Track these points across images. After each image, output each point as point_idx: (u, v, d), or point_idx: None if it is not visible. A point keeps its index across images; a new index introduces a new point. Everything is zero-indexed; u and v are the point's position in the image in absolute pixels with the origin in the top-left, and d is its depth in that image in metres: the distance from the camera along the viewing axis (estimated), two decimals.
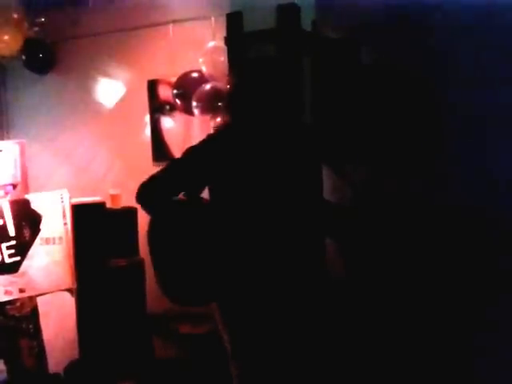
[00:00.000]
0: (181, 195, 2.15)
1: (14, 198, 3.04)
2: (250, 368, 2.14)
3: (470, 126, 2.41)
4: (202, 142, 2.18)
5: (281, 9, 2.65)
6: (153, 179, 2.14)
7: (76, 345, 3.21)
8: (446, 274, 2.45)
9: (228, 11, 2.94)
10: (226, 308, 2.14)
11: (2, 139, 4.41)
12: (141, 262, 3.42)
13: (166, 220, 2.15)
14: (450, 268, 2.43)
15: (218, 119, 3.26)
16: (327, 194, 2.31)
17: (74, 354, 3.21)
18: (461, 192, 2.43)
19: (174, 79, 3.60)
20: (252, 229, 2.04)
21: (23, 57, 4.08)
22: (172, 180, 2.14)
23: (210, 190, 2.17)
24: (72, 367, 3.19)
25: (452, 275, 2.43)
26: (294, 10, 2.66)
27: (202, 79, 3.41)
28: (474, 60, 2.39)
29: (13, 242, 2.98)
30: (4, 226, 2.96)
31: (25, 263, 3.02)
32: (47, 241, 3.07)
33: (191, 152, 2.16)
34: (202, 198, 2.18)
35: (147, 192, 2.14)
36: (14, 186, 3.10)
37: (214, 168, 2.11)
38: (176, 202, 2.15)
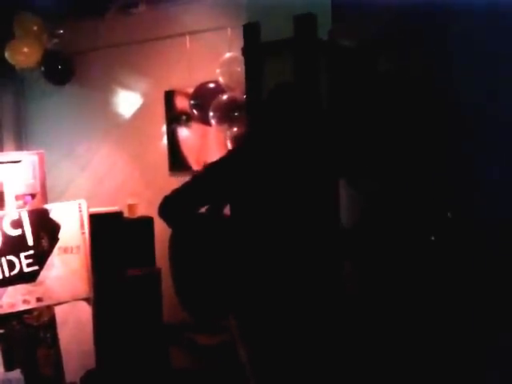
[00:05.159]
0: (203, 209, 2.17)
1: (33, 207, 3.07)
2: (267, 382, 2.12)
3: (490, 135, 2.38)
4: (223, 158, 2.20)
5: (298, 19, 2.66)
6: (175, 194, 2.15)
7: (93, 354, 3.21)
8: (462, 284, 2.42)
9: (244, 22, 2.94)
10: (244, 322, 2.14)
11: (21, 150, 4.47)
12: (157, 272, 3.44)
13: (187, 234, 2.17)
14: (467, 279, 2.41)
15: (235, 129, 3.27)
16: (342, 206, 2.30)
17: (91, 363, 3.21)
18: (480, 204, 2.40)
19: (190, 90, 3.62)
20: (271, 243, 2.05)
21: (42, 68, 4.14)
22: (193, 195, 2.16)
23: (230, 205, 2.19)
24: (88, 376, 3.19)
25: (468, 285, 2.41)
26: (311, 19, 2.67)
27: (219, 90, 3.43)
28: (491, 69, 2.37)
29: (31, 252, 3.01)
30: (23, 236, 2.99)
31: (43, 272, 3.04)
32: (65, 250, 3.09)
33: (212, 168, 2.19)
34: (222, 212, 2.20)
35: (169, 206, 2.16)
36: (33, 196, 3.13)
37: (234, 184, 2.13)
38: (197, 216, 2.17)
